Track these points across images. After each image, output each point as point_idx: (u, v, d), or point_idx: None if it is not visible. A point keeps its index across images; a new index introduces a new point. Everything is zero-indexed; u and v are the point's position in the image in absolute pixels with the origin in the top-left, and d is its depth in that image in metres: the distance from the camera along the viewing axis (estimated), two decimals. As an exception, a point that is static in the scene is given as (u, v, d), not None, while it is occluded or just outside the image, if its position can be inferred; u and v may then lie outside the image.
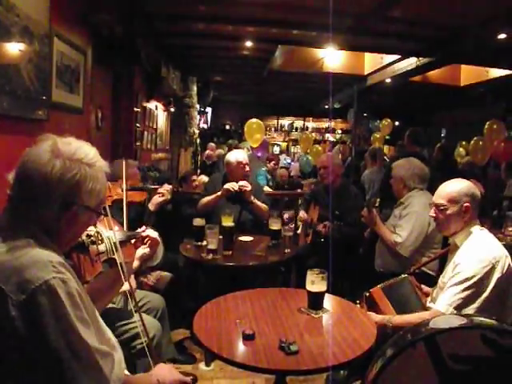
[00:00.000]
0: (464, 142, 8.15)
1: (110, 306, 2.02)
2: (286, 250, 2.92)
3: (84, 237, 1.64)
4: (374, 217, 2.98)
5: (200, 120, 10.04)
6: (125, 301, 2.24)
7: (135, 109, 4.88)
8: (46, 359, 1.01)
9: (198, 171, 7.71)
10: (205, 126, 11.02)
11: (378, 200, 3.67)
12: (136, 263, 1.77)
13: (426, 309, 2.05)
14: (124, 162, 2.52)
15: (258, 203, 3.39)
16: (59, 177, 1.12)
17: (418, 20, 4.59)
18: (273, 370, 1.54)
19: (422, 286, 2.30)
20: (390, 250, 2.90)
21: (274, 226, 3.06)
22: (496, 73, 6.83)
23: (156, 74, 5.54)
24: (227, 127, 13.17)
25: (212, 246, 2.73)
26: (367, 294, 2.16)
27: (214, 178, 3.82)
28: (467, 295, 1.81)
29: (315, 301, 1.90)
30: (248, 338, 1.63)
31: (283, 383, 1.73)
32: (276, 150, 13.32)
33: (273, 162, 6.89)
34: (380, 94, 8.85)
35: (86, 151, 1.21)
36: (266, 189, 4.95)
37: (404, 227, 2.85)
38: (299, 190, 6.09)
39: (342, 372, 2.38)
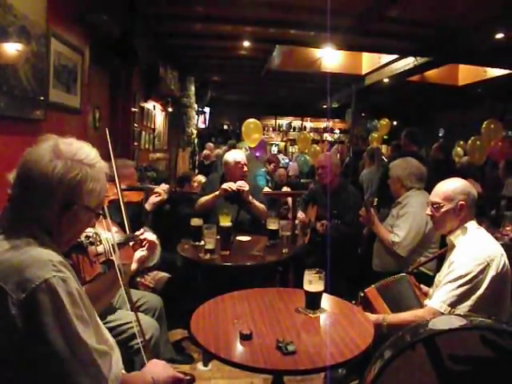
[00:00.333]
0: (462, 142, 8.16)
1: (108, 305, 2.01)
2: (284, 250, 2.92)
3: (82, 238, 1.64)
4: (372, 216, 2.99)
5: (198, 120, 10.03)
6: (123, 300, 2.23)
7: (133, 109, 4.87)
8: (45, 357, 1.01)
9: (196, 171, 7.71)
10: (203, 126, 11.01)
11: (376, 200, 3.67)
12: (134, 265, 1.77)
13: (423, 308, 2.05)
14: (114, 162, 2.46)
15: (256, 203, 3.39)
16: (60, 177, 1.13)
17: (416, 20, 4.60)
18: (270, 370, 1.54)
19: (421, 285, 2.30)
20: (387, 250, 2.91)
21: (272, 225, 3.06)
22: (494, 72, 6.85)
23: (154, 74, 5.53)
24: (225, 127, 13.18)
25: (210, 246, 2.73)
26: (362, 294, 2.17)
27: (212, 177, 3.82)
28: (461, 292, 1.82)
29: (313, 301, 1.90)
30: (245, 338, 1.63)
31: (281, 383, 1.73)
32: (274, 149, 13.30)
33: (273, 163, 6.85)
34: (378, 94, 8.86)
35: (87, 152, 1.22)
36: (266, 189, 4.94)
37: (401, 227, 2.85)
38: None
39: (339, 371, 2.38)
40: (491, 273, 1.81)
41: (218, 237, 2.83)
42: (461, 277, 1.83)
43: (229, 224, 2.88)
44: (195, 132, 8.89)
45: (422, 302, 2.12)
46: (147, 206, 2.91)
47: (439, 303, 1.85)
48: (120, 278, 1.55)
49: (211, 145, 9.11)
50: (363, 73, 7.39)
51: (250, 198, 3.35)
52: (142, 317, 2.01)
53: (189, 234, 3.07)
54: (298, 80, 8.73)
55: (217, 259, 2.74)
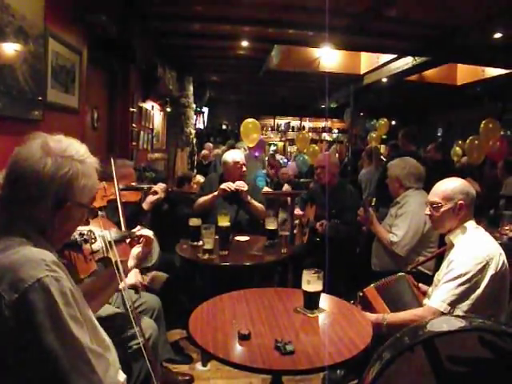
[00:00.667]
0: (460, 142, 8.17)
1: (106, 306, 2.01)
2: (283, 250, 2.92)
3: (76, 235, 1.63)
4: (371, 216, 2.99)
5: (196, 120, 10.02)
6: (121, 301, 2.23)
7: (131, 109, 4.86)
8: (38, 357, 1.00)
9: (195, 171, 7.70)
10: (201, 126, 11.01)
11: (375, 199, 3.68)
12: (131, 262, 1.76)
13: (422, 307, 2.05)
14: (113, 161, 2.46)
15: (255, 203, 3.38)
16: (51, 174, 1.12)
17: (414, 19, 4.60)
18: (268, 370, 1.54)
19: (420, 284, 2.30)
20: (386, 250, 2.91)
21: (271, 225, 3.06)
22: (492, 72, 6.86)
23: (152, 74, 5.52)
24: (224, 127, 13.17)
25: (208, 246, 2.73)
26: (361, 294, 2.16)
27: (211, 177, 3.81)
28: (461, 292, 1.82)
29: (311, 300, 1.89)
30: (244, 338, 1.63)
31: (279, 383, 1.73)
32: (271, 149, 13.28)
33: (274, 168, 6.79)
34: (376, 94, 8.86)
35: (77, 148, 1.21)
36: (266, 189, 4.93)
37: (400, 226, 2.85)
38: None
39: (338, 372, 2.38)
40: (490, 272, 1.82)
41: (217, 237, 2.83)
42: (460, 276, 1.83)
43: (227, 224, 2.87)
44: (194, 132, 8.88)
45: (421, 301, 2.13)
46: (145, 206, 2.91)
47: (439, 302, 1.85)
48: (118, 275, 1.54)
49: (210, 145, 9.09)
50: (362, 72, 7.40)
51: (249, 197, 3.35)
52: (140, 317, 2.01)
53: (187, 234, 3.06)
54: (296, 80, 8.73)
55: (215, 259, 2.73)
